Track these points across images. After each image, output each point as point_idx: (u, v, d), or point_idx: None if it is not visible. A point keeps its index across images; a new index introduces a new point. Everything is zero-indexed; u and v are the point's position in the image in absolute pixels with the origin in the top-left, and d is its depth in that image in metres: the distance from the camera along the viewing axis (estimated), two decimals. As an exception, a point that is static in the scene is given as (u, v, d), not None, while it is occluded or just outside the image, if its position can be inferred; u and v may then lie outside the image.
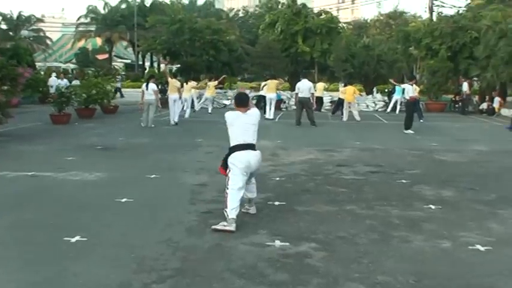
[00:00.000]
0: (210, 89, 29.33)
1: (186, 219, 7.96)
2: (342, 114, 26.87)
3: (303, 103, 23.22)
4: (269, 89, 26.21)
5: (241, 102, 8.06)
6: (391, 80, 32.37)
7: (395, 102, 31.74)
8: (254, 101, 25.62)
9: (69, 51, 73.50)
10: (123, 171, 11.94)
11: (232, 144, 7.88)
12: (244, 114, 7.88)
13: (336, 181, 11.02)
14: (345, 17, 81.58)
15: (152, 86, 21.68)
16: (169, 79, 23.50)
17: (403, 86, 25.27)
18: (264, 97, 27.22)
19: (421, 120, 25.38)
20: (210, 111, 28.71)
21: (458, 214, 8.54)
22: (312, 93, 24.04)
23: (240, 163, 7.63)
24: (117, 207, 8.69)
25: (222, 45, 38.33)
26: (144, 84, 21.91)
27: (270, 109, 25.97)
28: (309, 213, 8.39)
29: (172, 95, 22.60)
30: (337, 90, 30.28)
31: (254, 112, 8.07)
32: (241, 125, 7.83)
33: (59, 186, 10.26)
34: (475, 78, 37.30)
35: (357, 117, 26.03)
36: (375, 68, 38.71)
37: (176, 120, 22.32)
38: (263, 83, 29.80)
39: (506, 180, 11.62)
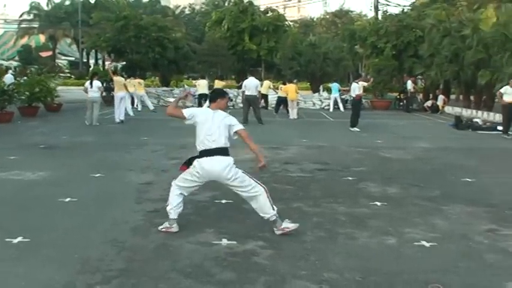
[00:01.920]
0: (138, 86, 28.78)
1: (132, 219, 7.86)
2: (288, 112, 27.02)
3: (250, 101, 23.21)
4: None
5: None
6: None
7: (335, 100, 32.10)
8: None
9: (12, 49, 72.23)
10: (67, 170, 11.71)
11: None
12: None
13: (282, 179, 11.04)
14: (292, 15, 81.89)
15: (97, 83, 21.43)
16: (114, 77, 23.21)
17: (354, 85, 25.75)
18: (204, 96, 26.92)
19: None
20: (151, 107, 28.64)
21: (404, 210, 8.65)
22: (259, 91, 24.09)
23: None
24: (60, 207, 8.52)
25: (168, 43, 38.04)
26: (88, 82, 21.59)
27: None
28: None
29: (119, 93, 22.32)
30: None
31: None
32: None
33: (0, 186, 10.02)
34: (420, 77, 37.95)
35: (294, 116, 26.18)
36: (321, 66, 39.01)
37: (122, 118, 22.08)
38: (196, 82, 29.80)
39: (449, 176, 11.83)
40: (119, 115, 22.08)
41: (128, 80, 26.26)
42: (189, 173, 7.21)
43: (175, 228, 7.19)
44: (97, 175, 11.08)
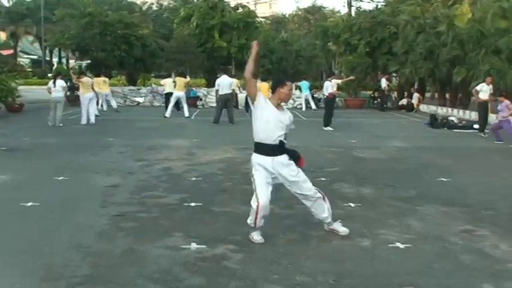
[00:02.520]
0: (103, 85, 28.53)
1: (97, 223, 7.79)
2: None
3: (225, 100, 23.10)
4: (178, 87, 25.99)
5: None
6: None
7: (307, 99, 32.23)
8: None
9: (-29, 46, 71.12)
10: (29, 173, 11.60)
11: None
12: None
13: (254, 180, 11.02)
14: (263, 11, 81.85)
15: (60, 82, 21.25)
16: (82, 79, 22.87)
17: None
18: (170, 95, 26.86)
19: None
20: (115, 105, 28.59)
21: (378, 211, 8.70)
22: (233, 89, 24.01)
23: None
24: (22, 212, 8.42)
25: (134, 40, 37.83)
26: (52, 81, 21.40)
27: (183, 107, 26.05)
28: (226, 214, 8.37)
29: (86, 94, 22.09)
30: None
31: None
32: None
33: (-42, 191, 9.90)
34: (394, 74, 38.21)
35: None
36: (294, 64, 39.15)
37: (93, 120, 21.87)
38: (163, 81, 29.74)
39: (425, 176, 11.94)
40: (87, 117, 21.84)
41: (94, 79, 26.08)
42: None
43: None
44: (60, 178, 10.98)
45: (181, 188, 10.19)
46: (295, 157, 7.10)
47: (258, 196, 6.85)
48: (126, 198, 9.27)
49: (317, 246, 6.93)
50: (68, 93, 27.60)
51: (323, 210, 7.19)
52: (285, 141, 7.04)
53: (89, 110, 21.98)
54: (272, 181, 6.93)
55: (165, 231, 7.41)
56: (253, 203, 6.88)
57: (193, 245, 6.85)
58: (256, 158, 6.97)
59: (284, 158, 6.96)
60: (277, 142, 6.92)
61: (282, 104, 7.14)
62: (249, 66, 6.98)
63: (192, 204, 8.96)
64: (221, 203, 9.12)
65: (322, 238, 7.25)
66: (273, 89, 7.11)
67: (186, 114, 25.75)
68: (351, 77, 30.13)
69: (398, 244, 7.02)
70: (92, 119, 21.92)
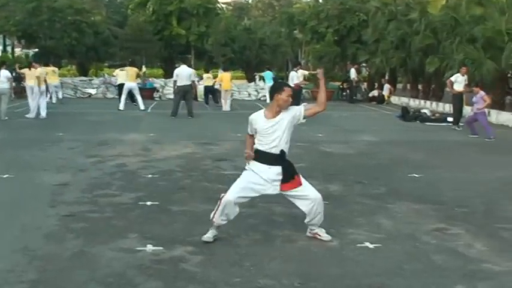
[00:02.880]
0: (52, 75, 28.15)
1: (45, 224, 7.73)
2: (217, 103, 27.17)
3: (183, 92, 22.97)
4: (129, 77, 25.83)
5: None
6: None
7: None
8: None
9: None
10: (-29, 171, 11.48)
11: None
12: None
13: (214, 177, 11.05)
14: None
15: (5, 73, 21.00)
16: (35, 69, 22.53)
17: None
18: (122, 86, 26.73)
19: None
20: (60, 96, 28.45)
21: (346, 210, 8.77)
22: (193, 81, 23.93)
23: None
24: (-38, 213, 8.34)
25: (86, 27, 37.62)
26: None
27: (136, 99, 25.93)
28: (185, 213, 8.36)
29: (42, 86, 21.84)
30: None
31: None
32: None
33: None
34: (364, 64, 38.52)
35: (227, 108, 26.31)
36: (257, 53, 39.22)
37: (44, 114, 21.62)
38: (116, 71, 29.62)
39: (396, 172, 12.06)
40: (42, 109, 21.62)
41: (52, 70, 25.81)
42: None
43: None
44: (5, 176, 10.87)
45: (137, 186, 10.15)
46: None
47: (229, 190, 7.00)
48: (77, 197, 9.21)
49: (281, 247, 6.96)
50: (14, 84, 27.30)
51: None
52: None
53: (41, 102, 21.75)
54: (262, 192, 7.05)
55: (118, 232, 7.37)
56: (222, 194, 7.01)
57: (149, 247, 6.82)
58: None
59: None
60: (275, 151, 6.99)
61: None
62: (322, 98, 7.35)
63: (148, 203, 8.93)
64: (179, 201, 9.10)
65: (287, 238, 7.28)
66: (271, 97, 7.13)
67: (141, 106, 25.64)
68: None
69: (367, 244, 7.08)
70: (44, 113, 21.71)
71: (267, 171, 6.92)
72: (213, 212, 6.99)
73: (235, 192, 6.93)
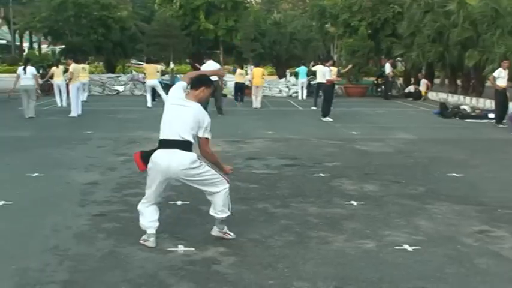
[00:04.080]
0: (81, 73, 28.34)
1: (75, 224, 7.81)
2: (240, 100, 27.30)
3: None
4: (149, 75, 25.96)
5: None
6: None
7: (302, 86, 32.15)
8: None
9: None
10: (0, 170, 11.63)
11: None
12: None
13: (246, 176, 11.05)
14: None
15: (31, 69, 21.24)
16: (71, 65, 22.75)
17: (314, 68, 25.98)
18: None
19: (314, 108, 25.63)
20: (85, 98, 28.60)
21: (383, 211, 8.72)
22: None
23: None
24: (-9, 212, 8.44)
25: (112, 23, 37.74)
26: (21, 68, 21.33)
27: (154, 96, 26.05)
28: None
29: (76, 83, 22.08)
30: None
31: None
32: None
33: None
34: (399, 59, 38.21)
35: (258, 105, 26.30)
36: (288, 48, 39.12)
37: (80, 112, 21.83)
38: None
39: (435, 171, 11.96)
40: (77, 108, 21.85)
41: (82, 67, 25.90)
42: None
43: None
44: (34, 175, 10.98)
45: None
46: None
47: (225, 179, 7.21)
48: (107, 197, 9.29)
49: (316, 249, 6.95)
50: (41, 81, 27.56)
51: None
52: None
53: (78, 99, 21.96)
54: None
55: (149, 232, 7.42)
56: (224, 184, 7.14)
57: (181, 248, 6.86)
58: None
59: None
60: None
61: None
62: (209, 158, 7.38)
63: (179, 202, 8.97)
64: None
65: (322, 239, 7.27)
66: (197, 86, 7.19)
67: (150, 104, 25.69)
68: (349, 66, 30.25)
69: (406, 246, 7.05)
70: (79, 110, 21.97)
71: None
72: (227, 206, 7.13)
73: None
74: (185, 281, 5.90)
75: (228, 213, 7.09)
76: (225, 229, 7.23)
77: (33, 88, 21.07)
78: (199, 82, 7.17)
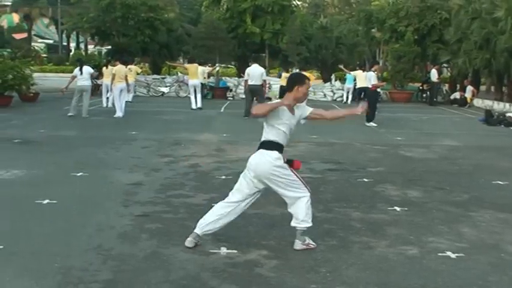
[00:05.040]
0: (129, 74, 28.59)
1: (119, 224, 7.87)
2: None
3: (253, 91, 23.08)
4: (191, 75, 26.04)
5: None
6: (341, 67, 32.86)
7: (348, 91, 32.09)
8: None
9: (-19, 30, 71.97)
10: (45, 168, 11.74)
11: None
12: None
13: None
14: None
15: (88, 69, 21.54)
16: (116, 66, 23.05)
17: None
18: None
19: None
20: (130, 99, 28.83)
21: (427, 217, 8.66)
22: (264, 80, 24.06)
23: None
24: (38, 210, 8.53)
25: (159, 24, 38.00)
26: (78, 68, 21.60)
27: (196, 97, 26.00)
28: (260, 217, 8.38)
29: (118, 84, 22.35)
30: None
31: None
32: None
33: (-32, 186, 10.05)
34: (445, 65, 37.89)
35: None
36: (334, 52, 39.03)
37: (122, 113, 22.06)
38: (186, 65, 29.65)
39: (479, 178, 11.84)
40: (120, 109, 22.09)
41: (128, 68, 26.06)
42: None
43: None
44: (79, 174, 11.09)
45: (210, 187, 10.24)
46: None
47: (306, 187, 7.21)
48: (151, 197, 9.35)
49: (359, 254, 6.92)
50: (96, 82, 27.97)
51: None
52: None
53: (121, 101, 22.19)
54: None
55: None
56: (306, 193, 7.11)
57: (223, 250, 6.89)
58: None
59: None
60: None
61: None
62: (336, 116, 8.02)
63: (222, 205, 9.00)
64: (253, 204, 9.08)
65: (365, 245, 7.24)
66: (291, 88, 7.07)
67: (193, 105, 25.86)
68: (383, 83, 30.11)
69: (449, 253, 6.99)
70: (122, 111, 22.16)
71: None
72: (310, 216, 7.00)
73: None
74: (227, 283, 5.91)
75: (310, 224, 6.99)
76: (307, 240, 7.07)
77: (89, 88, 21.38)
78: (291, 82, 7.12)
